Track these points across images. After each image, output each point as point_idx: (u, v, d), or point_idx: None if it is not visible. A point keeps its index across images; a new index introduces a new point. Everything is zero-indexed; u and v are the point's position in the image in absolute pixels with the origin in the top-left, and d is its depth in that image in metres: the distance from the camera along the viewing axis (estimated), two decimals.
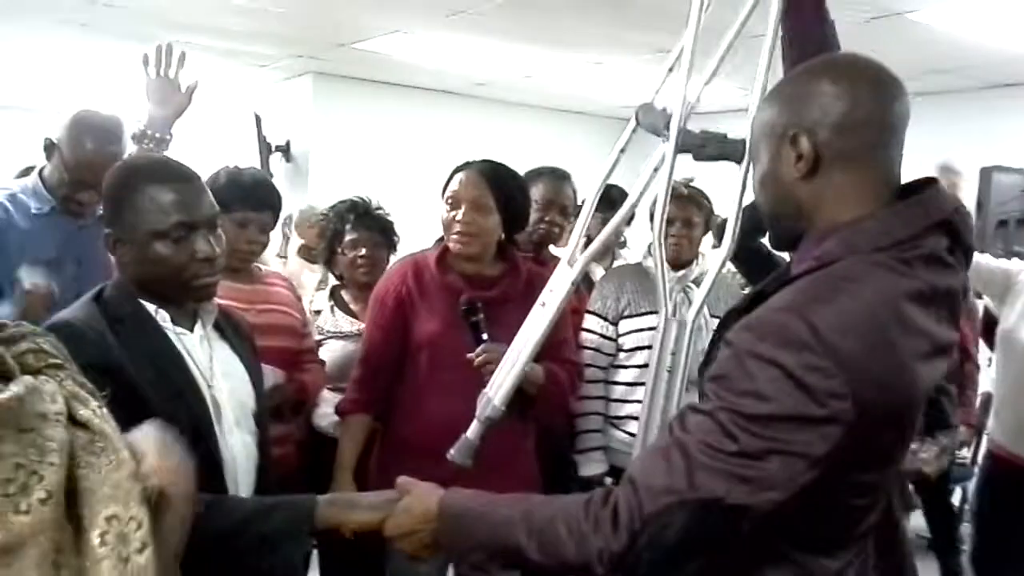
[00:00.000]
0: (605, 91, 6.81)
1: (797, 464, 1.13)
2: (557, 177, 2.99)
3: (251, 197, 2.48)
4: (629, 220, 2.38)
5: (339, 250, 2.99)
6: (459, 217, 2.35)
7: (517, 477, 2.32)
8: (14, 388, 0.87)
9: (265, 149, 7.00)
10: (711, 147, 1.91)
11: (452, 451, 1.99)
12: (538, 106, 7.60)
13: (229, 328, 1.82)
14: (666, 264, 1.97)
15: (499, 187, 2.37)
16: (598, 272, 3.54)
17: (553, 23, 4.98)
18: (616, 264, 3.72)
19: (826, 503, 1.19)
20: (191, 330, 1.71)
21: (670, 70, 2.02)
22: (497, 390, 1.98)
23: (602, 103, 7.27)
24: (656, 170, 1.92)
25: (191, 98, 2.28)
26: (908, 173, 1.30)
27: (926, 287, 1.20)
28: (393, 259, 2.99)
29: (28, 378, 0.91)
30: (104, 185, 1.72)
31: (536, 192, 2.85)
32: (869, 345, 1.14)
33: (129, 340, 1.56)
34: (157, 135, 2.27)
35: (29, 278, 2.09)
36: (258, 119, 7.00)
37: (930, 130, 5.99)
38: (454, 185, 2.39)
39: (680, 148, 1.90)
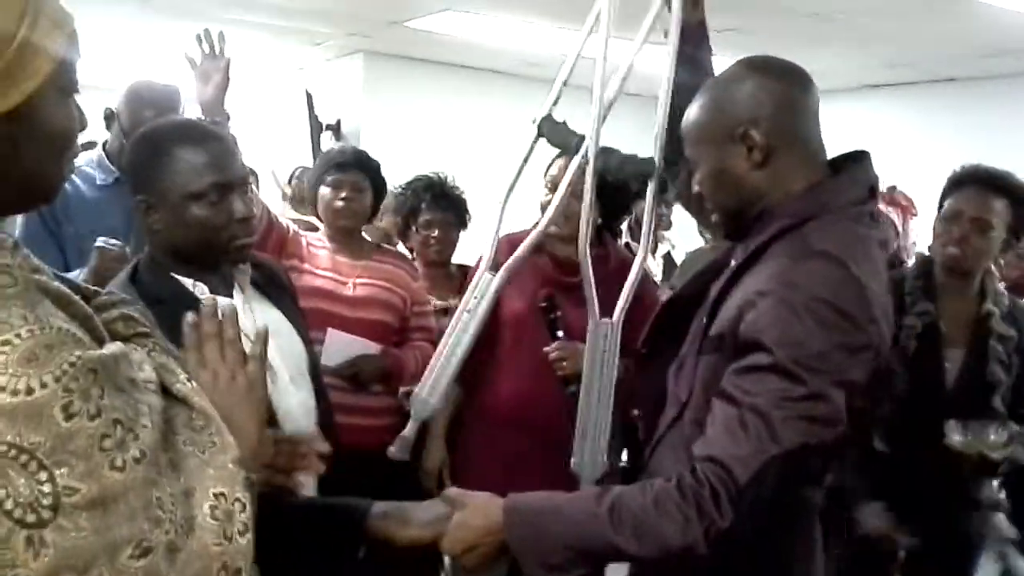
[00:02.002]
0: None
1: (849, 393, 1.24)
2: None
3: (340, 160, 2.68)
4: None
5: (413, 227, 3.06)
6: (557, 201, 2.38)
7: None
8: (110, 348, 0.89)
9: (316, 127, 7.04)
10: (628, 166, 1.99)
11: (391, 448, 2.06)
12: (589, 87, 7.50)
13: (266, 282, 1.79)
14: (590, 269, 1.99)
15: (615, 179, 2.39)
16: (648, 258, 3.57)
17: (621, 6, 4.93)
18: (662, 247, 3.75)
19: (841, 434, 1.27)
20: (230, 296, 1.68)
21: (565, 82, 2.09)
22: (431, 391, 2.00)
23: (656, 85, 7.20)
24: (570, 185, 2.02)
25: (228, 74, 2.29)
26: (974, 154, 1.39)
27: (882, 238, 1.40)
28: (464, 234, 3.09)
29: (119, 344, 0.93)
30: (130, 151, 1.69)
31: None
32: (876, 280, 1.30)
33: (171, 319, 1.54)
34: (209, 118, 2.31)
35: (104, 243, 2.14)
36: (310, 97, 7.04)
37: (990, 110, 5.91)
38: (553, 169, 2.44)
39: (599, 168, 1.97)
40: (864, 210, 1.39)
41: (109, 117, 2.56)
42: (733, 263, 1.45)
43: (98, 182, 2.51)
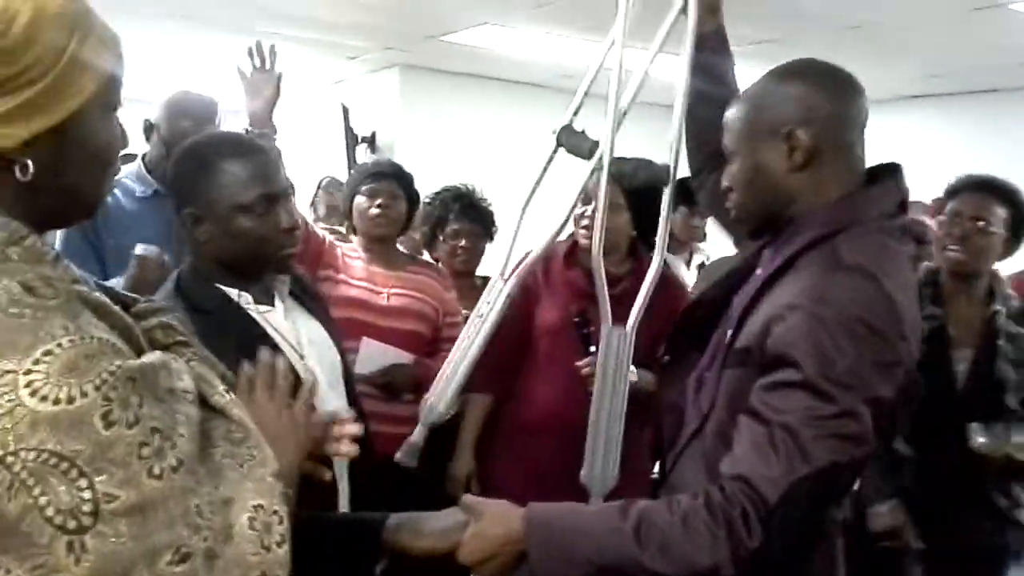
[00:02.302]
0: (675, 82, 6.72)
1: (878, 410, 1.21)
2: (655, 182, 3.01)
3: (375, 170, 2.74)
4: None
5: (440, 237, 3.08)
6: (589, 212, 2.39)
7: (635, 474, 2.31)
8: (149, 357, 0.91)
9: (351, 140, 7.09)
10: (642, 172, 1.98)
11: (398, 454, 2.03)
12: (634, 100, 7.48)
13: (302, 292, 1.82)
14: (604, 276, 1.98)
15: (630, 186, 2.38)
16: (679, 266, 3.55)
17: (654, 15, 4.94)
18: (697, 257, 3.72)
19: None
20: (272, 305, 1.71)
21: (585, 93, 2.07)
22: (439, 397, 2.00)
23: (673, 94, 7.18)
24: (583, 191, 2.01)
25: (279, 88, 2.33)
26: (1015, 164, 1.37)
27: (912, 253, 1.40)
28: (490, 247, 3.11)
29: (159, 353, 0.94)
30: (175, 165, 1.71)
31: None
32: (907, 295, 1.28)
33: (216, 329, 1.52)
34: (255, 130, 2.33)
35: (143, 250, 2.17)
36: (345, 110, 7.10)
37: None
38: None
39: (614, 175, 1.98)
40: (895, 224, 1.37)
41: (148, 129, 2.61)
42: (760, 271, 1.43)
43: (138, 194, 2.55)
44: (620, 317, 2.25)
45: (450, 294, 2.84)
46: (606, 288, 2.01)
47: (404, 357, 2.62)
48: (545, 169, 2.09)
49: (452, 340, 2.73)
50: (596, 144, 1.98)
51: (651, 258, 2.56)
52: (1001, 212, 2.32)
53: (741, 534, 1.18)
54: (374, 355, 2.57)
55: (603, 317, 1.96)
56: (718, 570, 1.18)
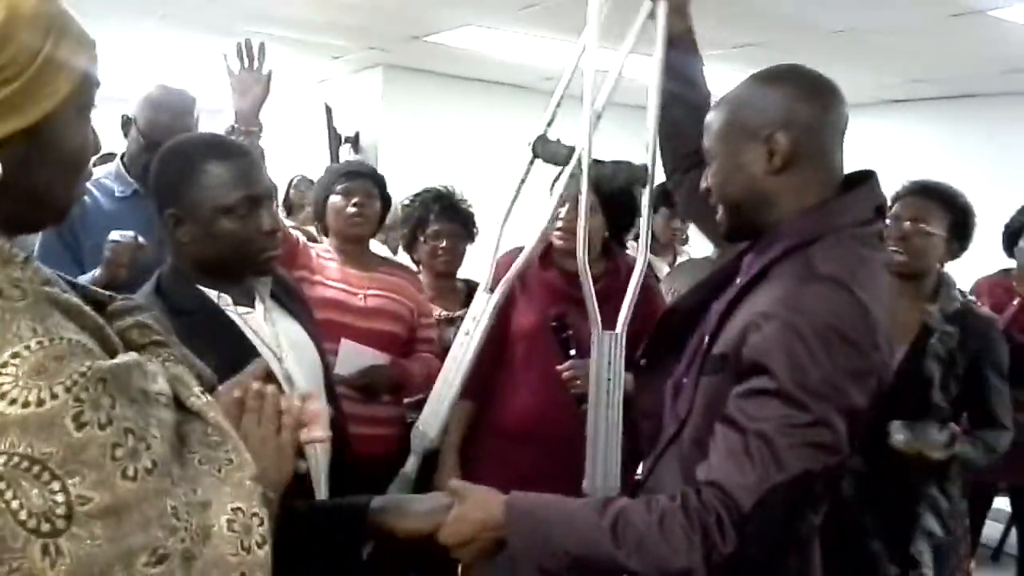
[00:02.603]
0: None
1: (851, 419, 1.23)
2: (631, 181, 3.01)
3: (349, 169, 2.74)
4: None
5: (421, 238, 3.07)
6: (563, 214, 2.38)
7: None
8: (123, 358, 0.89)
9: (335, 140, 7.08)
10: (621, 176, 2.00)
11: (392, 486, 2.04)
12: (609, 102, 7.52)
13: (283, 294, 1.81)
14: (591, 281, 1.99)
15: (603, 187, 2.39)
16: (663, 268, 3.55)
17: (626, 17, 4.95)
18: (680, 260, 3.72)
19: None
20: (252, 307, 1.70)
21: (558, 104, 2.14)
22: (430, 424, 1.99)
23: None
24: (563, 195, 2.04)
25: (268, 87, 2.33)
26: (995, 170, 1.38)
27: (887, 259, 1.42)
28: (470, 250, 3.10)
29: (133, 354, 0.93)
30: (158, 165, 1.70)
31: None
32: (879, 304, 1.28)
33: (195, 330, 1.54)
34: (243, 127, 2.31)
35: (119, 236, 2.17)
36: (329, 110, 7.08)
37: (1012, 126, 5.87)
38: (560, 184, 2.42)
39: (593, 180, 1.99)
40: (870, 231, 1.39)
41: (126, 124, 2.59)
42: (739, 280, 1.44)
43: (116, 194, 2.53)
44: (600, 318, 2.25)
45: (422, 295, 2.85)
46: (594, 294, 2.01)
47: (381, 358, 2.62)
48: (523, 180, 2.12)
49: (427, 340, 2.74)
50: (572, 150, 1.99)
51: (625, 257, 2.57)
52: (940, 214, 2.39)
53: (715, 539, 1.19)
54: (352, 356, 2.56)
55: (592, 323, 1.96)
56: (691, 572, 1.20)
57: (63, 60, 0.89)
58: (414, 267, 3.15)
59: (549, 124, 2.12)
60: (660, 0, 1.95)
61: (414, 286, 2.81)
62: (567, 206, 2.39)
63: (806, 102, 1.38)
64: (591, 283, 1.97)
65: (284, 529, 1.22)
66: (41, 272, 0.91)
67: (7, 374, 0.79)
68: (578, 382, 2.22)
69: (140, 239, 2.22)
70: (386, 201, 2.81)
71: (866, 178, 1.43)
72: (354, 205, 2.68)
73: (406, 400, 2.75)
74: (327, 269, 2.66)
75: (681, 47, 1.93)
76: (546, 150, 2.06)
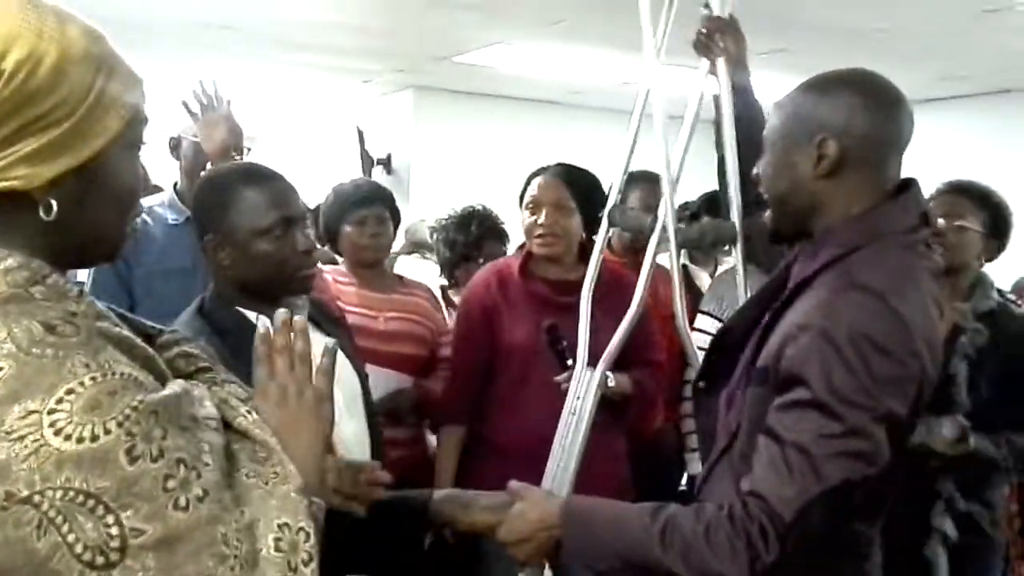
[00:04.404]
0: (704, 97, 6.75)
1: (890, 427, 1.23)
2: (653, 181, 3.00)
3: (359, 197, 2.66)
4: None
5: (479, 260, 3.09)
6: (541, 220, 2.37)
7: (609, 479, 2.30)
8: (172, 388, 0.92)
9: (367, 162, 7.16)
10: (709, 235, 2.04)
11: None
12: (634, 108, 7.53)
13: (322, 317, 1.84)
14: (588, 319, 2.07)
15: (578, 188, 2.40)
16: (703, 277, 3.54)
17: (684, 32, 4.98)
18: (721, 269, 3.71)
19: (888, 467, 1.26)
20: None
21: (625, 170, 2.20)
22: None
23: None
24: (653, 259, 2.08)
25: (233, 124, 2.33)
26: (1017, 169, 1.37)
27: (934, 267, 1.37)
28: None
29: (181, 382, 0.95)
30: (196, 195, 1.77)
31: (633, 198, 2.85)
32: (921, 312, 1.27)
33: (236, 350, 1.55)
34: None
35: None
36: (361, 133, 7.16)
37: None
38: (532, 190, 2.43)
39: (681, 245, 2.05)
40: (917, 238, 1.37)
41: (176, 145, 2.64)
42: (786, 292, 1.45)
43: (169, 221, 2.56)
44: (593, 316, 2.24)
45: (440, 313, 2.83)
46: (587, 331, 2.10)
47: (405, 381, 2.59)
48: (601, 250, 2.18)
49: (447, 360, 2.68)
50: (654, 219, 2.05)
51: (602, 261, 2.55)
52: (974, 211, 2.36)
53: (759, 548, 1.21)
54: (378, 381, 2.53)
55: (579, 360, 2.07)
56: None
57: (113, 99, 0.91)
58: (443, 286, 3.18)
59: (620, 192, 2.18)
60: (718, 58, 2.02)
61: (433, 305, 2.79)
62: (544, 211, 2.38)
63: (867, 111, 1.36)
64: (588, 324, 2.07)
65: (347, 519, 1.27)
66: (95, 306, 0.94)
67: (62, 410, 0.81)
68: None
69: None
70: (396, 218, 2.77)
71: (908, 185, 1.42)
72: (370, 236, 2.64)
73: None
74: (345, 294, 2.64)
75: (744, 98, 1.99)
76: (625, 220, 2.11)
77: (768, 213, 1.49)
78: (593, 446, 2.10)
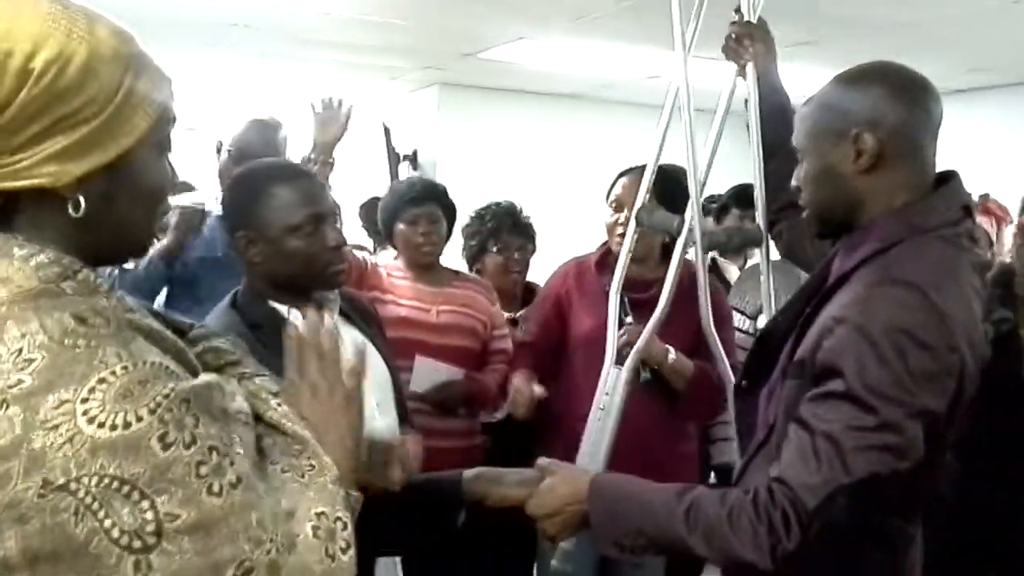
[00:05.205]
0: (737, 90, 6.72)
1: (926, 423, 1.22)
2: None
3: (412, 195, 2.75)
4: None
5: (493, 249, 3.13)
6: (622, 220, 2.41)
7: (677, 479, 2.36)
8: (203, 378, 0.94)
9: (394, 159, 7.17)
10: (735, 239, 2.05)
11: (554, 561, 2.06)
12: (663, 106, 7.49)
13: (355, 313, 1.88)
14: (617, 319, 2.14)
15: (662, 189, 2.42)
16: (732, 271, 3.54)
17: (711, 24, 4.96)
18: (751, 263, 3.70)
19: (926, 463, 1.26)
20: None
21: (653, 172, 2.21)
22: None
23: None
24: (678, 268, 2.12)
25: (346, 127, 2.56)
26: None
27: (977, 260, 1.36)
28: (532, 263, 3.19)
29: (212, 375, 0.97)
30: (227, 192, 1.82)
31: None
32: (962, 306, 1.27)
33: (268, 343, 1.61)
34: (320, 158, 2.52)
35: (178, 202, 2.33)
36: (387, 130, 7.18)
37: None
38: (617, 189, 2.47)
39: (707, 248, 2.09)
40: (960, 231, 1.36)
41: (220, 147, 2.80)
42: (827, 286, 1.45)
43: (213, 214, 2.66)
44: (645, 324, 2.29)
45: (495, 307, 2.88)
46: (616, 330, 2.16)
47: (456, 373, 2.65)
48: (629, 251, 2.22)
49: (500, 352, 2.77)
50: (681, 220, 2.08)
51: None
52: None
53: (780, 534, 1.22)
54: (427, 373, 2.60)
55: (607, 358, 2.14)
56: (755, 564, 1.23)
57: (141, 98, 0.93)
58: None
59: (648, 192, 2.19)
60: (748, 64, 2.04)
61: (487, 299, 2.84)
62: (626, 211, 2.41)
63: (895, 100, 1.36)
64: (617, 318, 2.14)
65: (383, 500, 1.28)
66: (125, 300, 0.96)
67: (95, 399, 0.83)
68: (628, 349, 2.25)
69: (205, 205, 2.42)
70: (451, 215, 2.85)
71: (949, 177, 1.42)
72: (422, 235, 2.71)
73: (484, 419, 2.78)
74: (399, 288, 2.70)
75: (772, 102, 2.00)
76: (652, 220, 2.13)
77: (807, 214, 1.49)
78: (665, 446, 2.21)
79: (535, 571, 2.58)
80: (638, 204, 2.18)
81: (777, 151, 1.91)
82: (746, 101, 2.08)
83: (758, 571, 1.24)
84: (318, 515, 0.93)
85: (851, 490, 1.20)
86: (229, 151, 2.73)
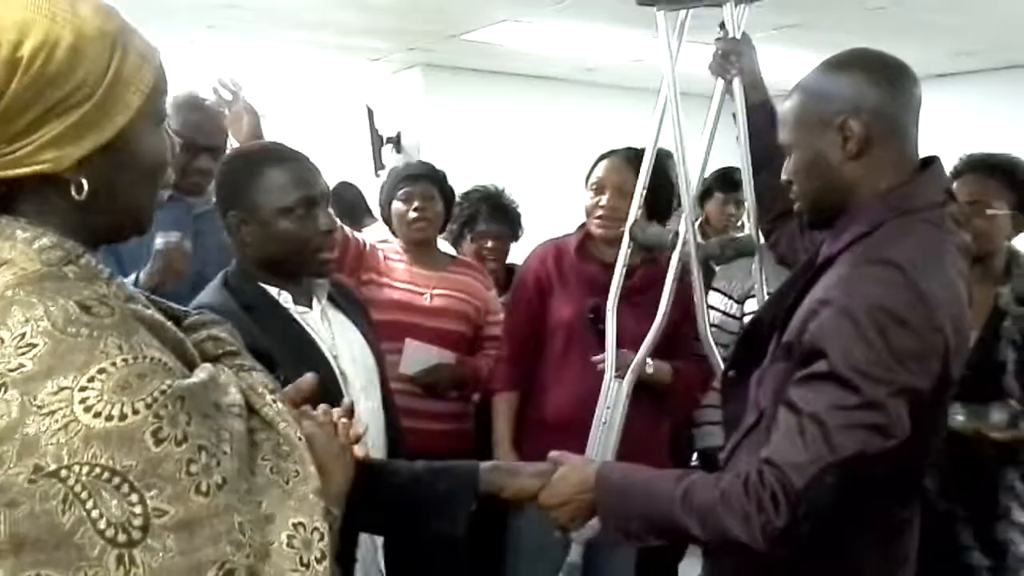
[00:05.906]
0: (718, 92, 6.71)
1: (910, 402, 1.24)
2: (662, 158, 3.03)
3: (407, 173, 2.77)
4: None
5: (468, 236, 3.11)
6: (603, 202, 2.42)
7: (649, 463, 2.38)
8: (199, 375, 0.93)
9: (377, 141, 7.13)
10: (728, 250, 2.07)
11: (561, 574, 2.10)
12: (648, 89, 7.49)
13: (341, 298, 1.88)
14: (613, 340, 2.18)
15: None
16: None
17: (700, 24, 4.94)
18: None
19: (914, 445, 1.28)
20: (310, 307, 1.77)
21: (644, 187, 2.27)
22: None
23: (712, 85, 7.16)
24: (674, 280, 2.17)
25: (252, 107, 2.38)
26: None
27: (960, 242, 1.38)
28: (514, 248, 3.17)
29: (208, 366, 0.97)
30: (221, 173, 1.81)
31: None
32: (944, 286, 1.28)
33: (263, 324, 1.63)
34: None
35: (163, 239, 2.15)
36: (370, 112, 7.14)
37: None
38: (599, 171, 2.47)
39: (702, 259, 2.12)
40: (943, 213, 1.38)
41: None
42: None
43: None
44: (635, 303, 2.30)
45: (491, 292, 2.87)
46: (614, 344, 2.19)
47: (447, 356, 2.65)
48: (625, 265, 2.25)
49: (493, 338, 2.77)
50: (675, 235, 2.11)
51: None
52: (1002, 191, 2.26)
53: (770, 513, 1.24)
54: (417, 355, 2.60)
55: (607, 371, 2.18)
56: (749, 543, 1.26)
57: (131, 73, 0.92)
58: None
59: (640, 208, 2.24)
60: (735, 78, 2.07)
61: (483, 284, 2.84)
62: (607, 193, 2.40)
63: (875, 85, 1.38)
64: (613, 331, 2.18)
65: (397, 484, 1.37)
66: (125, 288, 0.96)
67: (94, 388, 0.82)
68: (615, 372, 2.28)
69: (187, 242, 2.22)
70: (448, 199, 2.83)
71: (932, 162, 1.43)
72: (415, 210, 2.70)
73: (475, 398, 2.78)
74: (395, 271, 2.70)
75: (760, 114, 2.02)
76: (646, 236, 2.15)
77: (798, 207, 1.50)
78: (639, 433, 2.24)
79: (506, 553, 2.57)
80: (630, 221, 2.19)
81: (767, 163, 1.93)
82: (734, 115, 2.10)
83: (746, 554, 1.27)
84: (295, 525, 0.93)
85: (838, 468, 1.22)
86: (171, 130, 2.61)
